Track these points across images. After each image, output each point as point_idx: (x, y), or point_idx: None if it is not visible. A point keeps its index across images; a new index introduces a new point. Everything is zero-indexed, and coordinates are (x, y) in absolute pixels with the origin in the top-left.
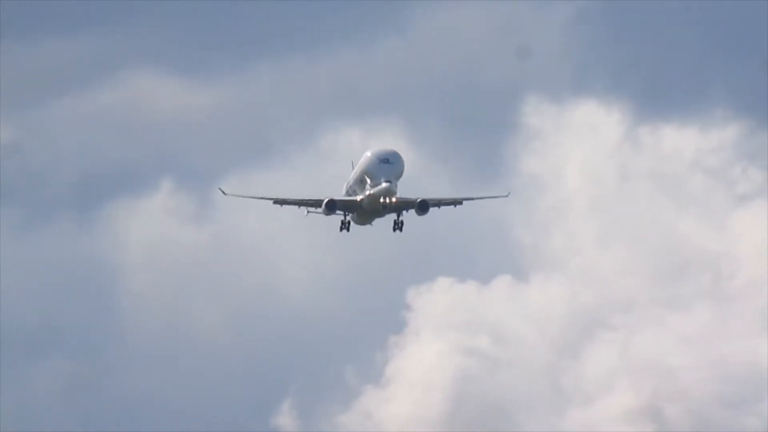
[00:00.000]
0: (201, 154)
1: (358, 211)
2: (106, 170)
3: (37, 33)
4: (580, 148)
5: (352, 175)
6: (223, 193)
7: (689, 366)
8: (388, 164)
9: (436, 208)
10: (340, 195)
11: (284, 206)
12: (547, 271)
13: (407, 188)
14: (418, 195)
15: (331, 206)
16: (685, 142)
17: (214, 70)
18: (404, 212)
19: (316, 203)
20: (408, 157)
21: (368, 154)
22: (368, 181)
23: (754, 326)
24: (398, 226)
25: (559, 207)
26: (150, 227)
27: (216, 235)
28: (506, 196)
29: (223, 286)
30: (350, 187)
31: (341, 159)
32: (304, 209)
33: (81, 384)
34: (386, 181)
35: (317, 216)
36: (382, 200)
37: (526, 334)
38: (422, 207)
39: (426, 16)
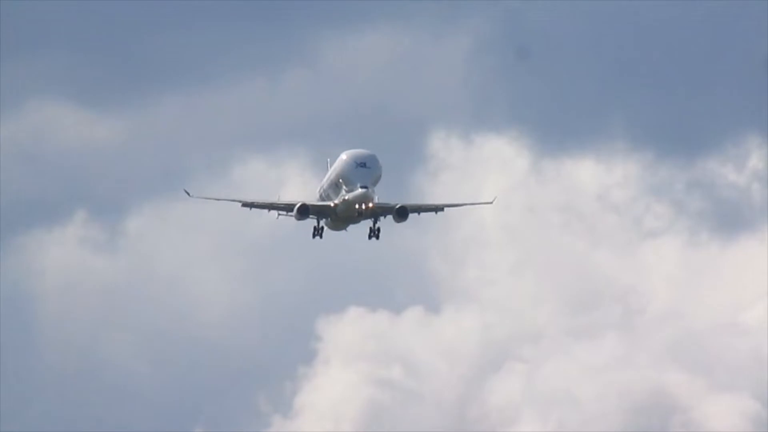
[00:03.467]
0: (109, 185)
1: (331, 216)
2: (11, 201)
3: None
4: (488, 180)
5: (326, 178)
6: (188, 194)
7: (598, 397)
8: (365, 168)
9: (416, 214)
10: (313, 199)
11: (252, 209)
12: (458, 302)
13: None
14: (396, 201)
15: (303, 211)
16: (589, 175)
17: (121, 101)
18: (381, 218)
19: (287, 207)
20: (317, 187)
21: (344, 156)
22: (343, 185)
23: (661, 358)
24: (374, 233)
25: (468, 239)
26: (60, 258)
27: (129, 265)
28: (491, 202)
29: (134, 316)
30: (324, 190)
31: (250, 188)
32: (274, 213)
33: None
34: (362, 187)
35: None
36: (357, 206)
37: (437, 365)
38: (401, 213)
39: (333, 46)
